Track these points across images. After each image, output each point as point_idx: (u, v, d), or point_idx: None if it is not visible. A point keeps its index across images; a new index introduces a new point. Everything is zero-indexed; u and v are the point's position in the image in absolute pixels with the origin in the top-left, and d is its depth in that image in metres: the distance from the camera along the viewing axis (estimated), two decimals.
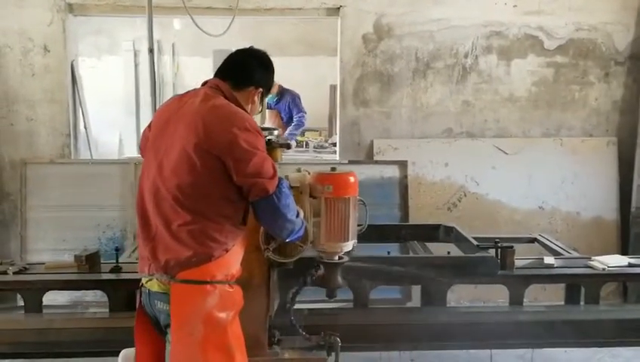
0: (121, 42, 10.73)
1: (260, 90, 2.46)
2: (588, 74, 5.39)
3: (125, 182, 5.03)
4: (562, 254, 3.85)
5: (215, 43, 10.62)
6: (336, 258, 2.83)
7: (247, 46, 2.57)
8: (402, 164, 5.13)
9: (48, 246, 4.90)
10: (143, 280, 2.35)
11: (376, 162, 5.15)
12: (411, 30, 5.24)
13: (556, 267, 3.57)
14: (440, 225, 4.07)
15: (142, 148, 2.53)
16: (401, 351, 3.68)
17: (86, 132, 5.34)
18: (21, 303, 3.54)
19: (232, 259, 2.29)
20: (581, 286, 3.57)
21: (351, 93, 5.28)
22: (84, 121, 5.33)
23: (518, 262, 3.52)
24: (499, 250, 3.46)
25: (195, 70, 11.30)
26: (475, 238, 3.67)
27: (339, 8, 5.21)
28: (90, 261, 3.39)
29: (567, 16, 5.31)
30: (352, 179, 2.73)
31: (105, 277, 3.35)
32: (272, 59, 2.55)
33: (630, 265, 3.59)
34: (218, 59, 11.34)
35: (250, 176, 2.18)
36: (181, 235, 2.18)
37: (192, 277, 2.18)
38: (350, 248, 2.83)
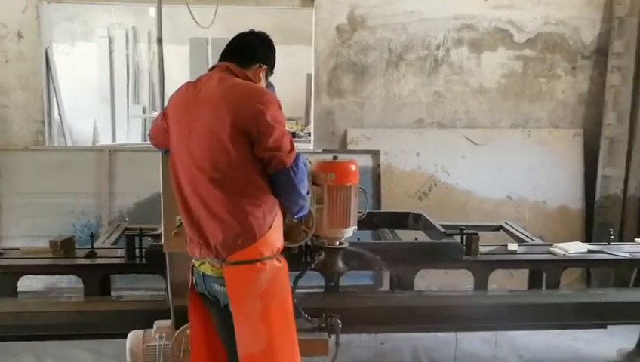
0: (96, 29, 10.66)
1: (265, 67, 2.53)
2: (555, 67, 5.54)
3: (100, 170, 5.06)
4: (526, 241, 4.00)
5: (192, 31, 10.65)
6: (337, 243, 2.94)
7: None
8: (375, 154, 5.25)
9: (22, 232, 4.91)
10: (195, 263, 2.45)
11: (350, 151, 5.25)
12: (384, 22, 5.34)
13: (519, 253, 3.73)
14: (409, 213, 4.20)
15: (154, 136, 2.63)
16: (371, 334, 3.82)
17: (60, 119, 5.35)
18: None
19: (275, 235, 2.36)
20: (543, 271, 3.73)
21: (325, 83, 5.37)
22: (59, 108, 5.34)
23: (482, 249, 3.67)
24: (464, 236, 3.60)
25: (172, 58, 11.30)
26: (442, 226, 3.81)
27: (313, 0, 5.28)
28: (66, 246, 3.45)
29: (536, 10, 5.46)
30: (353, 167, 2.86)
31: (80, 262, 3.42)
32: None
33: (590, 252, 3.76)
34: (195, 47, 11.39)
35: (270, 150, 2.25)
36: (222, 216, 2.25)
37: (243, 258, 2.27)
38: (351, 234, 2.95)
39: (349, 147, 5.31)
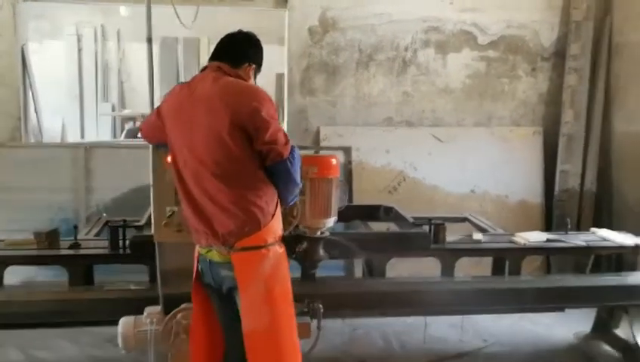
0: (64, 27, 10.62)
1: (254, 65, 2.69)
2: (517, 68, 5.84)
3: (76, 166, 5.14)
4: (489, 231, 4.26)
5: (162, 30, 10.69)
6: (319, 233, 3.11)
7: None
8: (347, 150, 5.45)
9: (1, 227, 4.96)
10: (201, 251, 2.59)
11: (323, 148, 5.43)
12: (355, 24, 5.55)
13: (483, 242, 3.97)
14: (380, 205, 4.40)
15: (147, 132, 2.79)
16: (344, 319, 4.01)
17: (37, 116, 5.41)
18: None
19: (277, 223, 2.54)
20: (505, 259, 3.98)
21: (298, 83, 5.55)
22: (35, 105, 5.40)
23: (449, 238, 3.90)
24: (432, 226, 3.82)
25: (141, 56, 11.31)
26: (412, 218, 4.03)
27: (286, 1, 5.46)
28: (50, 238, 3.55)
29: (498, 13, 5.74)
30: (334, 161, 3.05)
31: (65, 252, 3.53)
32: None
33: (548, 241, 4.02)
34: (164, 45, 11.40)
35: (268, 143, 2.41)
36: (227, 206, 2.42)
37: (249, 244, 2.43)
38: (332, 224, 3.13)
39: (322, 144, 5.50)
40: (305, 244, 3.13)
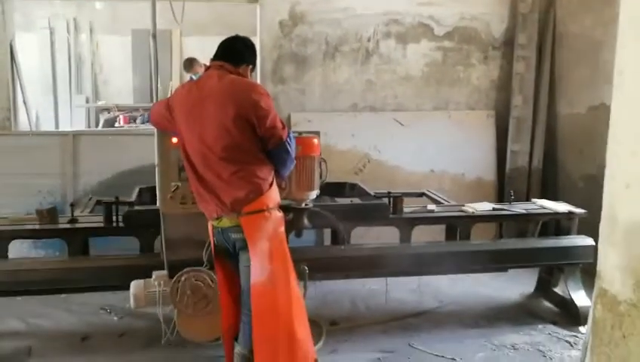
0: (37, 20, 10.78)
1: (250, 66, 3.21)
2: (470, 57, 6.34)
3: (65, 152, 5.51)
4: (443, 204, 4.77)
5: (133, 22, 10.91)
6: (303, 205, 3.56)
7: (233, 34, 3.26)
8: (316, 134, 5.87)
9: None
10: (214, 223, 3.06)
11: (294, 132, 5.86)
12: (322, 17, 6.00)
13: (436, 212, 4.48)
14: (346, 183, 4.89)
15: (157, 122, 3.27)
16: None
17: (26, 107, 5.75)
18: None
19: (274, 191, 3.05)
20: (457, 226, 4.49)
21: (270, 72, 5.97)
22: (23, 96, 5.73)
23: (407, 210, 4.40)
24: (391, 198, 4.32)
25: (113, 48, 11.56)
26: (374, 192, 4.51)
27: None
28: (51, 214, 3.95)
29: (453, 6, 6.22)
30: (315, 141, 3.52)
31: (64, 226, 3.94)
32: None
33: (494, 209, 4.56)
34: (136, 38, 11.64)
35: (269, 129, 2.93)
36: (234, 181, 2.92)
37: (254, 208, 2.93)
38: (314, 196, 3.59)
39: (293, 129, 5.91)
40: (291, 215, 3.59)
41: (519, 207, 4.60)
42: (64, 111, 10.98)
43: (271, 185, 3.01)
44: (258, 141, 2.96)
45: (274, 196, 3.04)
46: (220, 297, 3.23)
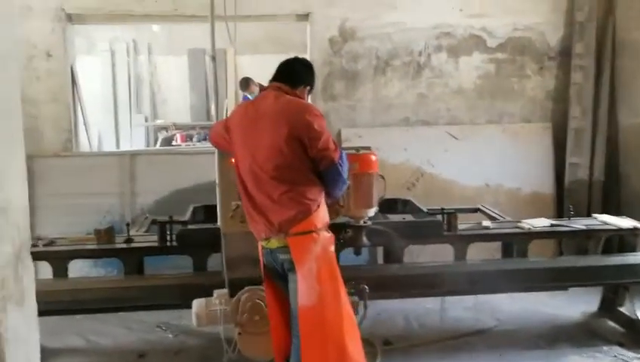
0: (98, 43, 11.21)
1: (308, 87, 3.22)
2: (525, 68, 6.19)
3: (122, 172, 5.66)
4: (499, 219, 4.64)
5: (189, 43, 11.18)
6: (362, 222, 3.52)
7: (283, 57, 3.31)
8: (370, 150, 5.85)
9: (55, 229, 5.37)
10: (263, 244, 3.07)
11: (344, 148, 5.83)
12: (372, 33, 5.98)
13: (492, 228, 4.36)
14: (398, 198, 4.82)
15: (216, 142, 3.30)
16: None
17: (86, 128, 5.95)
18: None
19: (323, 212, 3.03)
20: (513, 243, 4.36)
21: (320, 89, 5.98)
22: (84, 118, 5.94)
23: (461, 226, 4.30)
24: (444, 215, 4.23)
25: (171, 68, 11.90)
26: (426, 208, 4.44)
27: (308, 15, 5.92)
28: (107, 234, 4.05)
29: (505, 18, 6.11)
30: (373, 158, 3.49)
31: (120, 246, 4.03)
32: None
33: (552, 226, 4.40)
34: (192, 57, 11.91)
35: (320, 151, 2.92)
36: (283, 201, 2.91)
37: (301, 229, 2.92)
38: (372, 214, 3.54)
39: (344, 145, 5.91)
40: (350, 232, 3.55)
41: (579, 223, 4.43)
42: (124, 130, 11.36)
43: (319, 206, 2.99)
44: (309, 162, 2.95)
45: (322, 216, 3.02)
46: (270, 318, 3.22)
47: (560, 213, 6.08)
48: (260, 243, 3.11)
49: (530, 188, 6.14)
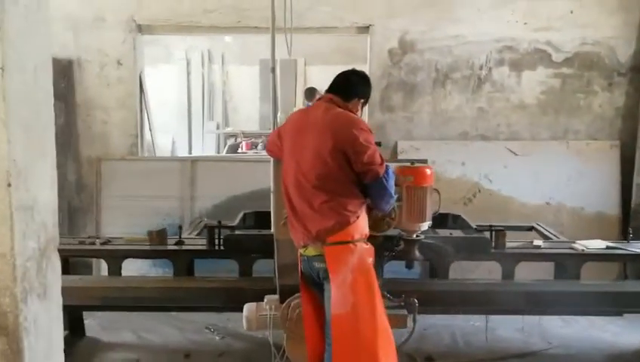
0: (175, 52, 11.67)
1: (362, 100, 3.26)
2: (592, 83, 5.97)
3: (183, 177, 5.87)
4: (552, 239, 4.50)
5: (261, 53, 11.46)
6: (415, 236, 3.53)
7: (350, 67, 3.33)
8: (423, 163, 5.81)
9: (118, 229, 5.65)
10: (301, 251, 3.13)
11: (400, 161, 5.83)
12: (432, 45, 5.94)
13: (542, 248, 4.23)
14: (448, 213, 4.75)
15: (270, 149, 3.39)
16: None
17: (151, 134, 6.22)
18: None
19: (363, 222, 3.05)
20: (565, 264, 4.21)
21: (378, 101, 5.99)
22: (149, 125, 6.21)
23: (510, 244, 4.20)
24: (492, 232, 4.15)
25: (242, 77, 12.23)
26: (476, 225, 4.36)
27: (368, 27, 5.96)
28: (160, 236, 4.22)
29: (573, 31, 5.91)
30: (428, 171, 3.46)
31: (171, 248, 4.20)
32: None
33: (607, 248, 4.22)
34: (263, 67, 12.23)
35: (366, 165, 2.94)
36: (323, 210, 2.97)
37: (339, 239, 2.96)
38: (426, 228, 3.52)
39: (399, 157, 5.91)
40: (402, 245, 3.55)
41: (636, 246, 4.23)
42: (197, 137, 11.74)
43: (359, 217, 3.00)
44: (353, 174, 2.98)
45: (361, 228, 3.03)
46: (305, 325, 3.26)
47: (625, 237, 5.80)
48: (299, 251, 3.17)
49: (595, 208, 5.91)
